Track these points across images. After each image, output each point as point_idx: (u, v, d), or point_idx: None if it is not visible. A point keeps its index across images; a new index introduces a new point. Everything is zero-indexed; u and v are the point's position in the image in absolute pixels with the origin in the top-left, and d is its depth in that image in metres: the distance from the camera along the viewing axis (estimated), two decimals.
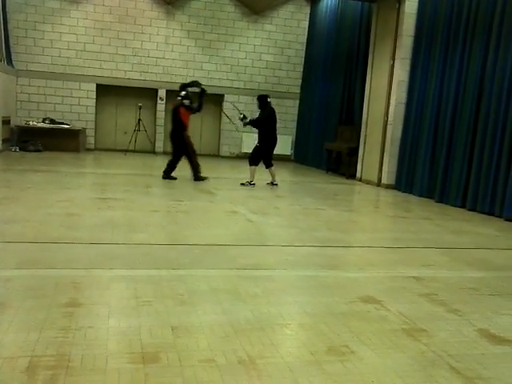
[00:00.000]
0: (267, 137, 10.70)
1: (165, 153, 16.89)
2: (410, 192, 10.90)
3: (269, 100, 10.78)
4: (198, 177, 10.37)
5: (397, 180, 11.54)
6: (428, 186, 10.43)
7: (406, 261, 5.41)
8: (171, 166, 10.36)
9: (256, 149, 10.85)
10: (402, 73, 11.32)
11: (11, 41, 15.23)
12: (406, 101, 11.37)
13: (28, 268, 4.33)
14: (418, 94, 10.94)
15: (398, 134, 11.47)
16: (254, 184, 10.46)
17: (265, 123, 10.64)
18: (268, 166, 10.89)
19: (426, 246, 6.17)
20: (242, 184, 10.40)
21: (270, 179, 10.89)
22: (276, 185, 10.79)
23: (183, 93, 10.49)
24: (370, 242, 6.35)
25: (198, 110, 10.87)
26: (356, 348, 3.12)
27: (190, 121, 10.61)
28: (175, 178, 10.26)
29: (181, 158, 10.42)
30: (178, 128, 10.39)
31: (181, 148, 10.34)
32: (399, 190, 11.25)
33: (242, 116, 10.96)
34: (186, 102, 10.43)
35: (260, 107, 10.86)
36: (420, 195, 10.54)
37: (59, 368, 2.67)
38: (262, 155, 10.81)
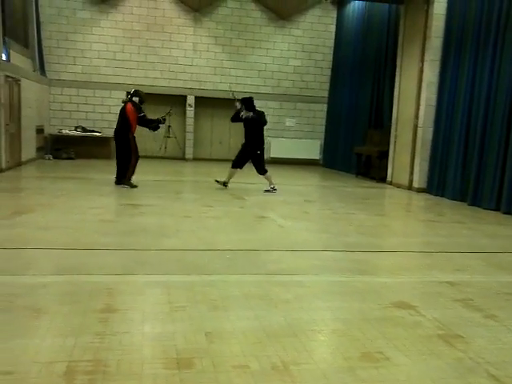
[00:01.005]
0: (260, 139, 10.34)
1: (195, 159, 17.05)
2: (442, 195, 10.74)
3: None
4: (121, 181, 9.68)
5: (428, 183, 11.38)
6: (460, 188, 10.26)
7: (439, 265, 5.33)
8: (120, 169, 9.73)
9: (246, 152, 10.34)
10: (431, 75, 11.18)
11: (44, 51, 15.58)
12: (436, 103, 11.22)
13: (63, 274, 4.41)
14: (448, 95, 10.79)
15: (429, 136, 11.33)
16: (275, 188, 10.18)
17: (258, 124, 10.24)
18: (264, 172, 10.37)
19: (460, 251, 6.06)
20: (267, 191, 10.18)
21: (268, 185, 10.35)
22: (276, 190, 10.26)
23: (132, 90, 10.04)
24: (402, 246, 6.28)
25: (153, 126, 10.28)
26: (390, 354, 3.09)
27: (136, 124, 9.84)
28: (136, 186, 9.61)
29: (131, 159, 9.73)
30: (123, 127, 9.71)
31: (122, 148, 9.75)
32: (431, 194, 11.10)
33: (236, 100, 10.40)
34: (136, 99, 9.82)
35: (247, 109, 10.17)
36: (452, 198, 10.38)
37: (96, 373, 2.71)
38: (250, 159, 10.39)
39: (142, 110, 9.82)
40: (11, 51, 12.14)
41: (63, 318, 3.40)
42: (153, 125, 10.15)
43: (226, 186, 10.19)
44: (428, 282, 4.69)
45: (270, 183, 10.26)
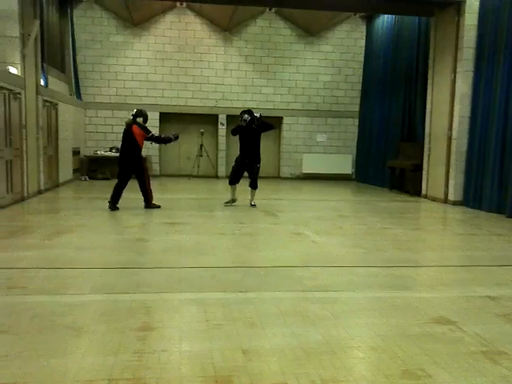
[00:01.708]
0: (259, 152, 10.11)
1: (227, 177, 17.14)
2: (479, 208, 10.52)
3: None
4: (150, 204, 9.49)
5: (464, 196, 11.17)
6: (498, 200, 10.03)
7: (479, 280, 5.21)
8: (118, 192, 9.31)
9: (244, 165, 10.04)
10: (464, 86, 11.03)
11: (80, 75, 16.02)
12: (470, 114, 11.05)
13: (101, 293, 4.48)
14: (482, 106, 10.62)
15: (464, 148, 11.15)
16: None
17: (259, 136, 10.00)
18: (257, 186, 10.16)
19: (499, 264, 5.91)
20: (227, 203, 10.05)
21: (250, 199, 10.19)
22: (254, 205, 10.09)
23: (135, 110, 9.52)
24: (439, 260, 6.16)
25: (161, 141, 10.21)
26: (432, 371, 3.02)
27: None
28: (117, 208, 9.23)
29: (127, 183, 9.41)
30: (132, 149, 9.28)
31: (133, 172, 9.38)
32: (467, 206, 10.88)
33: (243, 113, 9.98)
34: (140, 119, 9.40)
35: (252, 120, 9.88)
36: (489, 211, 10.15)
37: None
38: (245, 171, 10.11)
39: (150, 130, 9.58)
40: (49, 77, 12.53)
41: (102, 337, 3.45)
42: (163, 140, 10.03)
43: (234, 201, 10.08)
44: (468, 296, 4.59)
45: (233, 196, 10.13)
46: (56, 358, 3.11)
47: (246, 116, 9.82)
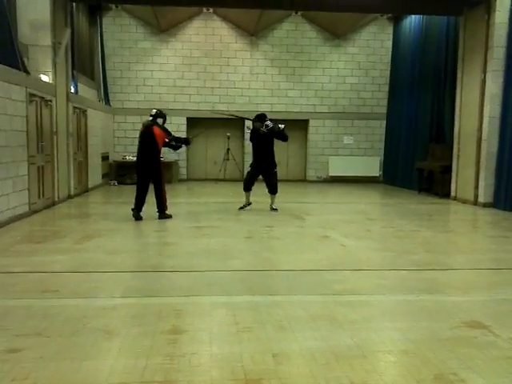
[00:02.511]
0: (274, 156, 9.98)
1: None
2: (510, 210, 10.30)
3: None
4: (165, 214, 8.81)
5: (495, 198, 10.96)
6: None
7: (511, 283, 5.10)
8: (141, 199, 8.72)
9: (273, 172, 9.92)
10: (494, 86, 10.85)
11: (108, 82, 16.27)
12: (500, 114, 10.85)
13: (132, 296, 4.54)
14: None
15: (494, 149, 10.95)
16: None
17: (272, 141, 9.86)
18: (276, 191, 10.00)
19: None
20: (241, 208, 9.93)
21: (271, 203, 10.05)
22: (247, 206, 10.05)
23: (154, 111, 8.96)
24: (471, 263, 6.06)
25: (177, 146, 9.41)
26: (465, 376, 2.98)
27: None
28: (141, 218, 8.64)
29: (148, 188, 8.81)
30: (151, 152, 8.66)
31: (151, 176, 8.76)
32: (498, 208, 10.67)
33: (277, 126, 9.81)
34: (160, 120, 8.84)
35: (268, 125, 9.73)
36: None
37: None
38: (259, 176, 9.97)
39: (170, 132, 9.07)
40: (79, 83, 12.76)
41: (133, 340, 3.50)
42: (177, 144, 9.33)
43: (250, 205, 9.96)
44: (500, 300, 4.51)
45: (248, 200, 10.01)
46: (88, 360, 3.17)
47: (269, 122, 9.71)
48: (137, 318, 3.93)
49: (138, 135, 8.98)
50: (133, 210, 8.69)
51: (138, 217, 8.60)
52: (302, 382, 2.89)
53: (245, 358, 3.20)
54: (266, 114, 10.36)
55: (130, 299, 4.44)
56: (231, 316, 3.97)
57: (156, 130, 8.67)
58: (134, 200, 8.75)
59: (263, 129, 9.66)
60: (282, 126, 9.84)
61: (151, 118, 8.82)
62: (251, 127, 10.08)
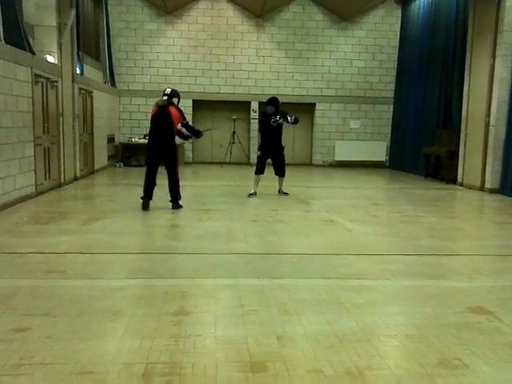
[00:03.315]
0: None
1: None
2: None
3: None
4: (178, 204, 8.15)
5: (502, 183, 10.90)
6: None
7: None
8: (152, 183, 8.06)
9: (282, 155, 9.92)
10: (503, 70, 10.72)
11: (114, 63, 16.20)
12: (509, 100, 10.75)
13: (138, 278, 4.56)
14: None
15: (502, 135, 10.86)
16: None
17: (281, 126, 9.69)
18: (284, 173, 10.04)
19: None
20: (251, 194, 9.72)
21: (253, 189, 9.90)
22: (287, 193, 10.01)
23: (169, 90, 8.16)
24: (476, 249, 6.05)
25: (193, 133, 8.51)
26: (469, 361, 2.99)
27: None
28: (148, 208, 7.98)
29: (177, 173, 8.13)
30: (168, 135, 7.94)
31: (165, 160, 8.03)
32: (505, 194, 10.62)
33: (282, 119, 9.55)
34: (175, 100, 8.12)
35: (277, 110, 9.61)
36: None
37: (172, 375, 2.78)
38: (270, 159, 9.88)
39: (185, 116, 8.33)
40: (84, 65, 12.70)
41: (139, 321, 3.52)
42: (187, 133, 8.35)
43: (255, 194, 9.75)
44: (505, 286, 4.51)
45: (257, 186, 9.84)
46: (94, 340, 3.20)
47: (279, 118, 9.59)
48: (142, 300, 3.96)
49: (147, 116, 8.56)
50: (143, 198, 7.97)
51: (147, 206, 7.95)
52: (307, 365, 2.91)
53: (250, 340, 3.22)
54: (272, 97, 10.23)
55: (136, 280, 4.47)
56: (236, 298, 3.98)
57: (173, 110, 7.94)
58: (143, 186, 8.06)
59: (273, 123, 9.53)
60: (291, 119, 9.70)
61: (166, 97, 8.05)
62: (257, 110, 9.94)
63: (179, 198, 8.16)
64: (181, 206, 8.14)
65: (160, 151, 7.99)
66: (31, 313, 3.61)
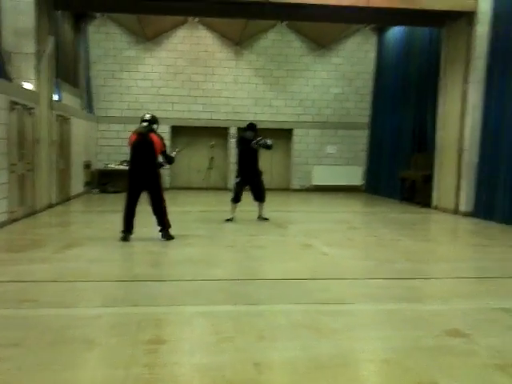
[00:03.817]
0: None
1: None
2: (491, 219, 10.40)
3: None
4: (168, 232, 7.72)
5: (475, 207, 11.07)
6: (510, 211, 9.92)
7: (492, 292, 5.15)
8: (132, 215, 7.63)
9: (260, 180, 9.90)
10: (475, 96, 11.00)
11: (92, 90, 16.19)
12: (481, 125, 10.99)
13: (113, 306, 4.49)
14: (494, 117, 10.56)
15: (475, 158, 11.08)
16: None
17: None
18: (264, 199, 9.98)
19: None
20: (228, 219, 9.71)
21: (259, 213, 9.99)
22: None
23: (147, 116, 7.86)
24: (452, 272, 6.10)
25: (168, 161, 8.04)
26: None
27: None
28: (129, 239, 7.57)
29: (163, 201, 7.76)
30: (151, 163, 7.62)
31: (148, 189, 7.65)
32: (478, 217, 10.77)
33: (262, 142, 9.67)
34: (155, 126, 7.79)
35: (256, 135, 9.76)
36: (502, 222, 10.02)
37: None
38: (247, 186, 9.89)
39: (161, 136, 7.88)
40: (62, 91, 12.67)
41: (113, 350, 3.46)
42: (164, 161, 7.98)
43: (232, 219, 9.70)
44: (481, 308, 4.54)
45: (234, 212, 9.81)
46: (67, 371, 3.13)
47: (261, 139, 9.67)
48: (117, 328, 3.89)
49: (124, 143, 8.22)
50: (124, 232, 7.53)
51: (127, 238, 7.53)
52: None
53: (226, 367, 3.18)
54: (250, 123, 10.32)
55: (111, 309, 4.40)
56: (212, 325, 3.94)
57: (154, 137, 7.61)
58: (123, 218, 7.60)
59: (254, 145, 9.61)
60: (271, 142, 9.80)
61: (146, 123, 7.72)
62: (235, 136, 10.00)
63: (168, 226, 7.72)
64: (172, 238, 7.67)
65: (143, 179, 7.63)
66: (1, 343, 3.52)
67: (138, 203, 7.69)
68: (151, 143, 7.56)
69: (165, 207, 7.75)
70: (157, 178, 7.76)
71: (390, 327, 4.02)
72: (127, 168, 8.18)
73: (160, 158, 7.85)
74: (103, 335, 3.73)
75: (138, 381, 2.98)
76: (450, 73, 11.86)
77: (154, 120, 7.83)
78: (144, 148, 7.57)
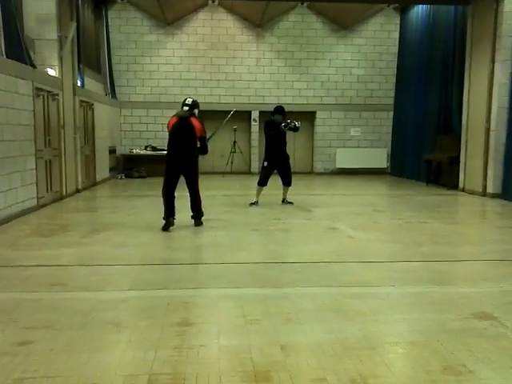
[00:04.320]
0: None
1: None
2: None
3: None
4: (201, 220, 7.70)
5: (503, 188, 10.89)
6: None
7: None
8: (172, 200, 7.44)
9: (288, 165, 9.94)
10: (502, 76, 10.75)
11: (114, 75, 16.28)
12: (508, 105, 10.76)
13: (140, 289, 4.55)
14: None
15: (503, 139, 10.87)
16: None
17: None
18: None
19: None
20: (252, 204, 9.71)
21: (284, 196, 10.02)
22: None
23: (190, 100, 7.71)
24: (479, 255, 6.02)
25: (202, 150, 7.75)
26: (474, 367, 2.97)
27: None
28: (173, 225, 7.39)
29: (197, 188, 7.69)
30: (191, 147, 7.49)
31: (186, 174, 7.56)
32: (506, 199, 10.59)
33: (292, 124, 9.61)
34: (196, 111, 7.68)
35: (284, 118, 9.70)
36: None
37: None
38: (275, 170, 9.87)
39: (202, 122, 7.69)
40: (85, 77, 12.76)
41: (142, 332, 3.51)
42: (201, 148, 7.76)
43: (257, 203, 9.72)
44: (509, 291, 4.49)
45: (258, 196, 9.80)
46: (97, 352, 3.19)
47: (290, 121, 9.60)
48: (145, 311, 3.95)
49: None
50: (166, 218, 7.29)
51: (171, 224, 7.32)
52: (311, 374, 2.89)
53: (253, 350, 3.20)
54: (273, 106, 10.26)
55: (139, 292, 4.46)
56: (239, 308, 3.97)
57: (195, 122, 7.48)
58: (164, 204, 7.38)
59: (284, 128, 9.55)
60: (299, 123, 9.74)
61: (187, 107, 7.56)
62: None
63: (202, 214, 7.70)
64: (202, 223, 7.67)
65: (181, 164, 7.47)
66: (34, 326, 3.60)
67: (176, 188, 7.57)
68: (192, 127, 7.42)
69: (199, 195, 7.69)
70: (195, 163, 7.62)
71: (416, 310, 4.00)
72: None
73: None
74: (132, 318, 3.79)
75: (166, 363, 3.03)
76: (475, 52, 11.59)
77: (195, 105, 7.68)
78: (184, 132, 7.44)
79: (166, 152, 7.73)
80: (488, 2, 10.99)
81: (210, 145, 8.09)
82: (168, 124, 7.66)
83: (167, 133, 7.65)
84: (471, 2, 11.63)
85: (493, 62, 10.92)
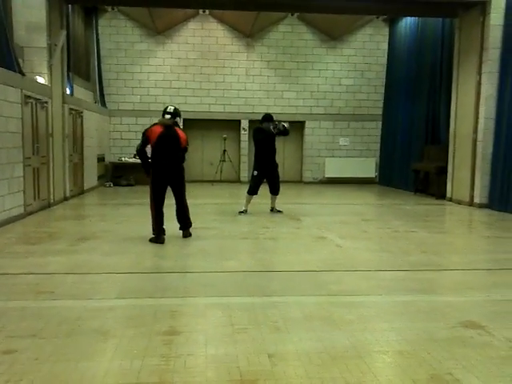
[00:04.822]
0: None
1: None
2: (506, 210, 10.31)
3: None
4: (189, 231, 7.44)
5: (490, 198, 10.98)
6: None
7: (507, 283, 5.12)
8: (161, 214, 7.17)
9: (277, 173, 9.96)
10: (489, 87, 10.88)
11: (104, 83, 16.25)
12: (495, 116, 10.89)
13: (128, 297, 4.52)
14: (508, 107, 10.44)
15: (489, 150, 10.98)
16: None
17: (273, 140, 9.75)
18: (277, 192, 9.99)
19: None
20: (241, 212, 9.72)
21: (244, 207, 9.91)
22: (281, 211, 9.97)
23: (172, 108, 7.33)
24: (466, 264, 6.06)
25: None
26: (461, 376, 2.99)
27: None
28: (190, 234, 7.41)
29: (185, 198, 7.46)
30: (178, 157, 7.24)
31: (173, 185, 7.27)
32: (493, 209, 10.69)
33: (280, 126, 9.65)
34: (178, 119, 7.37)
35: (274, 126, 9.67)
36: None
37: None
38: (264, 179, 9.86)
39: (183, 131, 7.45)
40: (74, 85, 12.74)
41: (129, 341, 3.48)
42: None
43: (246, 212, 9.71)
44: (496, 300, 4.52)
45: (247, 204, 9.81)
46: (84, 361, 3.16)
47: (279, 123, 9.66)
48: (132, 319, 3.93)
49: (137, 136, 7.90)
50: (158, 235, 7.04)
51: (162, 241, 7.01)
52: (298, 383, 2.89)
53: (240, 358, 3.19)
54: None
55: (126, 300, 4.43)
56: (227, 317, 3.96)
57: (179, 131, 7.27)
58: (153, 219, 7.08)
59: (273, 130, 9.56)
60: (287, 124, 9.79)
61: (169, 115, 7.21)
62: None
63: (190, 224, 7.45)
64: (190, 234, 7.42)
65: (169, 175, 7.19)
66: (19, 334, 3.57)
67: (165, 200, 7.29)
68: (178, 137, 7.18)
69: (187, 205, 7.47)
70: (182, 173, 7.35)
71: (404, 319, 4.01)
72: (137, 161, 7.37)
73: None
74: (119, 326, 3.77)
75: (153, 371, 3.01)
76: (463, 64, 11.73)
77: (177, 113, 7.36)
78: (170, 142, 7.11)
79: (151, 162, 7.19)
80: (475, 15, 11.14)
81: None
82: (150, 132, 7.15)
83: (146, 139, 7.14)
84: (459, 15, 11.78)
85: (480, 73, 11.05)
